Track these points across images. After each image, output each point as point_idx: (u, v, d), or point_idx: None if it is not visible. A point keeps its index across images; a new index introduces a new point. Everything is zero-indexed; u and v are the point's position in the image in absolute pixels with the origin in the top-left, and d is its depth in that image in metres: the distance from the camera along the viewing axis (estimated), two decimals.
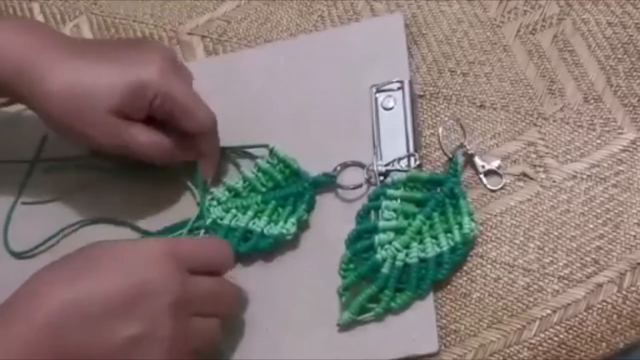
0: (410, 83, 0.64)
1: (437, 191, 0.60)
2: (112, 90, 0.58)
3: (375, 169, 0.61)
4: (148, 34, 0.74)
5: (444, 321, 0.57)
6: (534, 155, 0.61)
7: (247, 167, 0.64)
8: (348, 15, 0.70)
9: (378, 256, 0.58)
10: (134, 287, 0.51)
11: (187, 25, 0.74)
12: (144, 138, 0.60)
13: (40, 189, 0.68)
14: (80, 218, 0.66)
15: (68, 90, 0.58)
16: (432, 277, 0.57)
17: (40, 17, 0.77)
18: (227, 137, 0.65)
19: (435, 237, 0.58)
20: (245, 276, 0.61)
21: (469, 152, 0.61)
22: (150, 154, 0.61)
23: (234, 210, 0.63)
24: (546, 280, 0.57)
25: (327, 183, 0.62)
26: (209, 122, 0.62)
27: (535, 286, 0.57)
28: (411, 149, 0.62)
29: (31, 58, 0.58)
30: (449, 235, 0.58)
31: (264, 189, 0.63)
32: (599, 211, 0.58)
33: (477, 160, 0.61)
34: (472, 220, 0.58)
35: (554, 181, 0.60)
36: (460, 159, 0.60)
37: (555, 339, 0.55)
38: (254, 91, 0.68)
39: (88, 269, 0.51)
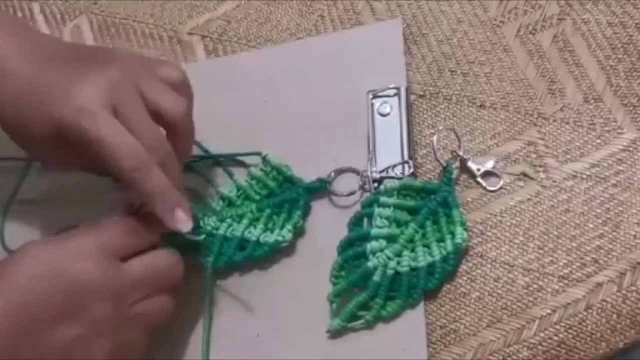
0: (407, 90, 0.64)
1: (430, 200, 0.60)
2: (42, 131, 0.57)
3: (369, 175, 0.61)
4: (148, 34, 0.74)
5: (444, 320, 0.57)
6: (534, 155, 0.61)
7: (240, 175, 0.64)
8: (348, 15, 0.70)
9: (369, 264, 0.58)
10: (69, 290, 0.51)
11: (187, 25, 0.74)
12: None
13: (37, 188, 0.68)
14: (77, 217, 0.65)
15: (15, 105, 0.57)
16: (423, 286, 0.57)
17: (40, 17, 0.77)
18: (223, 140, 0.65)
19: (427, 246, 0.58)
20: (236, 281, 0.61)
21: (463, 157, 0.61)
22: None
23: (228, 220, 0.62)
24: (546, 280, 0.56)
25: (321, 189, 0.62)
26: None
27: (535, 286, 0.56)
28: (406, 156, 0.61)
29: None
30: (441, 244, 0.58)
31: (257, 197, 0.63)
32: (599, 211, 0.58)
33: (471, 165, 0.61)
34: (465, 230, 0.58)
35: (554, 181, 0.60)
36: (454, 168, 0.60)
37: (555, 338, 0.55)
38: (250, 94, 0.68)
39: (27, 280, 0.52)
